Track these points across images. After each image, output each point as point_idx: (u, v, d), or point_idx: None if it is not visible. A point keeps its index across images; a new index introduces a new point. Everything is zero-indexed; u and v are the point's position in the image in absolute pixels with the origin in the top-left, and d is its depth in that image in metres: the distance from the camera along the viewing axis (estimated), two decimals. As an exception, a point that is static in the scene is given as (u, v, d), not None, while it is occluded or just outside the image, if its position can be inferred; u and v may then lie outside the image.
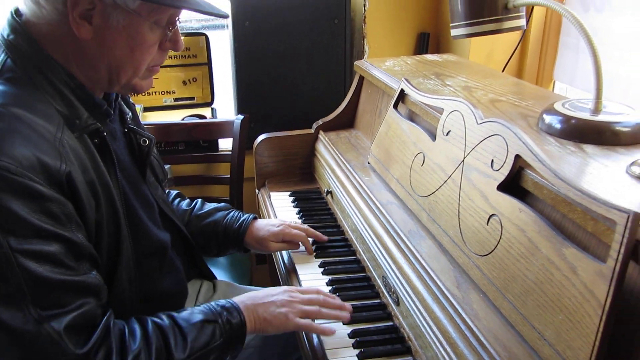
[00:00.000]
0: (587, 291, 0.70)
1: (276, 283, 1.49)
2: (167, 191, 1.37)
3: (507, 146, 0.91)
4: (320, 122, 1.76)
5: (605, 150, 0.94)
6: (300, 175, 1.77)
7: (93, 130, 0.95)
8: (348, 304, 1.10)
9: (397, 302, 1.07)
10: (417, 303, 0.99)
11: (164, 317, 0.98)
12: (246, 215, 1.36)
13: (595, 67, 0.99)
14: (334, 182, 1.52)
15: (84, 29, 0.90)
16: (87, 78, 0.97)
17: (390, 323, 1.09)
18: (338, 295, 1.16)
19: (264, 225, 1.35)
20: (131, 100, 1.24)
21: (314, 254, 1.34)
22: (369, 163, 1.46)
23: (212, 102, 2.41)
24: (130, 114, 1.16)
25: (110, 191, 0.97)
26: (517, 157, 0.88)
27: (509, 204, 0.88)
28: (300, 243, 1.35)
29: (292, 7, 2.01)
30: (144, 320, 0.95)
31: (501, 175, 0.91)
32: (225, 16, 1.06)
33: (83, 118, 0.94)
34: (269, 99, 2.12)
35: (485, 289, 0.90)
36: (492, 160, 0.94)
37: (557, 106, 1.05)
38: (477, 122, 1.01)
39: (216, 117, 2.31)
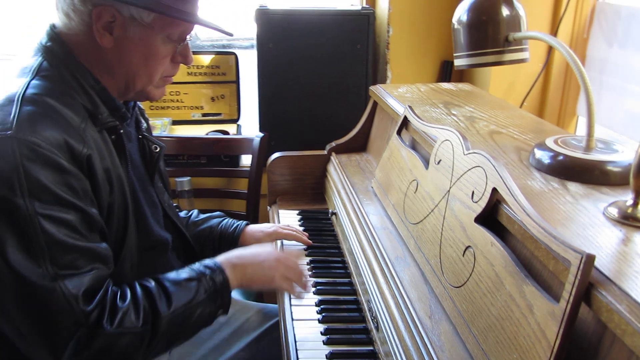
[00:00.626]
0: (540, 331, 0.69)
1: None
2: None
3: (487, 178, 0.91)
4: (333, 144, 1.79)
5: (589, 190, 0.92)
6: (311, 195, 1.80)
7: (111, 127, 1.06)
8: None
9: (377, 328, 1.07)
10: (392, 330, 0.99)
11: (150, 279, 1.06)
12: (240, 222, 1.45)
13: (588, 103, 0.98)
14: (339, 204, 1.54)
15: (106, 39, 1.02)
16: (107, 83, 1.07)
17: (371, 348, 1.09)
18: (325, 315, 1.18)
19: (258, 228, 1.46)
20: (146, 115, 1.33)
21: (306, 252, 1.44)
22: (372, 187, 1.47)
23: (238, 119, 2.48)
24: (145, 124, 1.28)
25: (122, 182, 1.07)
26: (494, 190, 0.88)
27: (482, 236, 0.87)
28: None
29: (316, 30, 2.06)
30: (133, 284, 1.04)
31: (479, 207, 0.91)
32: (229, 34, 1.16)
33: (104, 115, 1.05)
34: (290, 119, 2.17)
35: (455, 320, 0.90)
36: (473, 192, 0.94)
37: (549, 142, 1.04)
38: (464, 152, 1.01)
39: (241, 134, 2.37)
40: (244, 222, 1.46)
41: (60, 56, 1.03)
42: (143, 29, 1.03)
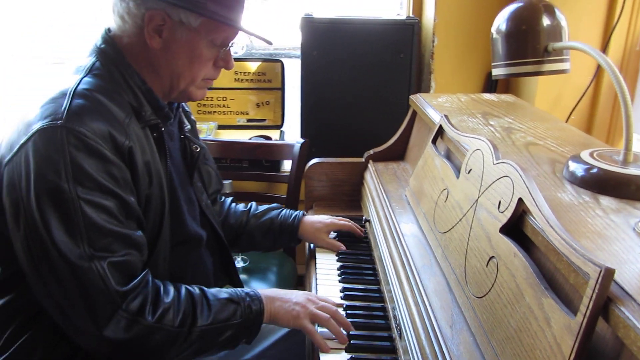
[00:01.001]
0: (556, 344, 0.67)
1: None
2: (222, 198, 1.55)
3: (513, 188, 0.89)
4: (371, 151, 1.79)
5: (623, 204, 0.89)
6: (348, 202, 1.80)
7: (154, 125, 1.12)
8: (352, 326, 1.15)
9: (400, 336, 1.06)
10: (414, 338, 0.98)
11: (195, 287, 1.10)
12: (297, 212, 1.55)
13: (626, 116, 0.95)
14: (372, 211, 1.54)
15: (155, 41, 1.08)
16: (153, 83, 1.13)
17: (394, 356, 1.08)
18: (350, 321, 1.17)
19: (316, 218, 1.54)
20: (193, 117, 1.40)
21: (337, 258, 1.47)
22: (405, 195, 1.46)
23: (281, 125, 2.53)
24: (189, 126, 1.33)
25: (161, 177, 1.12)
26: (520, 200, 0.87)
27: (506, 247, 0.86)
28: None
29: (360, 39, 2.08)
30: (178, 285, 1.09)
31: (504, 218, 0.89)
32: (269, 43, 1.21)
33: (147, 113, 1.11)
34: (331, 126, 2.19)
35: (475, 331, 0.88)
36: (500, 202, 0.92)
37: (584, 154, 1.01)
38: (493, 162, 1.00)
39: (284, 140, 2.41)
40: (301, 212, 1.54)
41: (112, 57, 1.10)
42: (190, 32, 1.08)
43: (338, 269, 1.41)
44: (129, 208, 1.02)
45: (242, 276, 1.93)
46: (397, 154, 1.78)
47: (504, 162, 0.96)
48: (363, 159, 1.80)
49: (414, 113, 1.73)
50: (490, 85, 2.16)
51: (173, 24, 1.07)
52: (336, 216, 1.70)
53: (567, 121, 1.84)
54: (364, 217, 1.62)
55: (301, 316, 1.12)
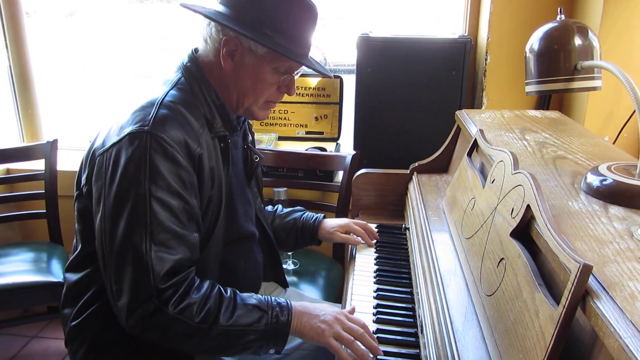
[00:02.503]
0: (541, 333, 0.74)
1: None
2: None
3: (524, 196, 0.96)
4: (416, 164, 1.87)
5: (630, 214, 0.93)
6: (392, 211, 1.89)
7: (222, 136, 1.27)
8: (380, 350, 1.15)
9: (422, 331, 1.14)
10: (430, 332, 1.06)
11: (229, 289, 1.20)
12: (318, 215, 1.68)
13: (642, 131, 1.00)
14: (411, 220, 1.62)
15: (228, 63, 1.24)
16: (224, 99, 1.30)
17: (417, 351, 1.16)
18: (378, 317, 1.27)
19: (333, 220, 1.67)
20: (252, 130, 1.55)
21: (374, 248, 1.62)
22: (442, 205, 1.54)
23: (338, 138, 2.65)
24: (251, 137, 1.50)
25: (221, 181, 1.27)
26: (528, 207, 0.93)
27: (513, 249, 0.93)
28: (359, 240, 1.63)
29: (413, 57, 2.17)
30: (214, 284, 1.19)
31: (515, 222, 0.96)
32: (329, 76, 1.37)
33: (218, 125, 1.26)
34: (383, 139, 2.28)
35: (483, 325, 0.95)
36: (513, 209, 0.99)
37: (602, 167, 1.06)
38: (512, 172, 1.07)
39: (339, 151, 2.53)
40: (322, 214, 1.68)
41: (194, 74, 1.26)
42: (256, 59, 1.23)
43: (374, 272, 1.50)
44: (191, 210, 1.16)
45: (292, 278, 2.06)
46: (441, 166, 1.85)
47: (519, 172, 1.03)
48: (408, 171, 1.88)
49: (458, 128, 1.80)
50: (543, 102, 2.18)
51: (243, 50, 1.23)
52: (379, 224, 1.80)
53: (616, 139, 1.84)
54: (403, 225, 1.70)
55: (326, 334, 1.16)
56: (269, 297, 1.22)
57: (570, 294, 0.70)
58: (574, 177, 1.13)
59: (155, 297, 1.09)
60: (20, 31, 2.79)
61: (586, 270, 0.70)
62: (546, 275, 0.84)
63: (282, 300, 1.22)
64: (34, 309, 2.69)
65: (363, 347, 1.15)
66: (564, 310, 0.70)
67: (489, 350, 0.90)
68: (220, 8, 1.23)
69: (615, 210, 0.95)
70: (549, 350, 0.71)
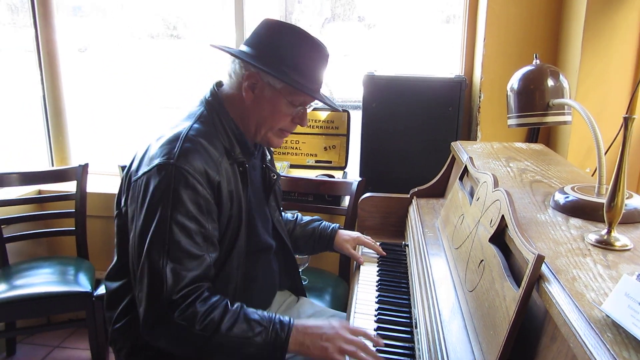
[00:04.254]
0: (507, 311, 0.94)
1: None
2: None
3: (500, 208, 1.17)
4: (416, 189, 2.08)
5: (587, 224, 1.13)
6: (393, 232, 2.09)
7: (240, 162, 1.45)
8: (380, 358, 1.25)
9: (416, 326, 1.33)
10: (421, 323, 1.25)
11: (236, 304, 1.34)
12: (334, 224, 1.88)
13: (598, 156, 1.21)
14: (410, 237, 1.82)
15: (249, 95, 1.43)
16: (243, 127, 1.48)
17: (412, 344, 1.34)
18: (379, 318, 1.45)
19: (347, 232, 1.88)
20: (272, 149, 1.75)
21: (376, 262, 1.79)
22: (437, 224, 1.74)
23: (345, 167, 2.87)
24: (269, 157, 1.70)
25: (240, 201, 1.44)
26: (503, 217, 1.14)
27: (491, 251, 1.13)
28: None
29: (414, 93, 2.40)
30: (223, 299, 1.33)
31: (492, 230, 1.16)
32: (338, 110, 1.54)
33: (236, 152, 1.44)
34: (386, 167, 2.50)
35: (465, 316, 1.15)
36: (491, 219, 1.20)
37: (567, 188, 1.27)
38: (492, 190, 1.27)
39: (346, 179, 2.74)
40: (337, 225, 1.88)
41: (215, 107, 1.45)
42: (274, 92, 1.42)
43: (376, 282, 1.69)
44: (207, 233, 1.32)
45: (301, 293, 2.24)
46: (438, 191, 2.06)
47: (498, 190, 1.24)
48: (408, 195, 2.09)
49: (453, 157, 2.01)
50: (532, 136, 2.40)
51: (263, 84, 1.42)
52: (382, 242, 1.99)
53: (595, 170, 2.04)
54: (403, 243, 1.90)
55: (330, 350, 1.26)
56: (272, 314, 1.33)
57: (528, 278, 0.90)
58: (546, 196, 1.33)
59: (167, 308, 1.25)
60: (56, 66, 3.06)
61: (539, 259, 0.90)
62: (516, 270, 1.04)
63: (285, 318, 1.32)
64: (56, 318, 2.87)
65: (368, 357, 1.24)
66: (523, 291, 0.90)
67: (468, 333, 1.09)
68: (245, 48, 1.44)
69: (574, 221, 1.15)
70: (511, 322, 0.90)
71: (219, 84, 1.52)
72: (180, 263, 1.27)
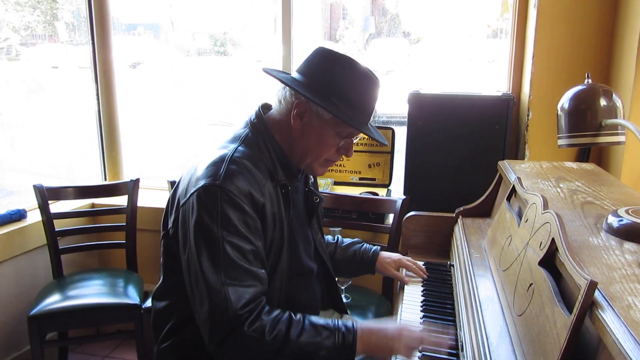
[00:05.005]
0: (557, 338, 0.91)
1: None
2: None
3: (550, 231, 1.14)
4: (461, 208, 2.06)
5: (642, 248, 1.10)
6: (438, 251, 2.06)
7: (283, 184, 1.46)
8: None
9: (462, 349, 1.31)
10: (469, 347, 1.23)
11: (300, 315, 1.37)
12: (375, 247, 1.85)
13: (654, 180, 1.17)
14: (456, 257, 1.80)
15: (297, 122, 1.44)
16: (288, 152, 1.49)
17: (459, 367, 1.33)
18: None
19: (388, 255, 1.87)
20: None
21: (421, 283, 1.78)
22: (483, 244, 1.71)
23: (389, 184, 2.86)
24: (312, 180, 1.71)
25: (283, 223, 1.46)
26: (553, 240, 1.11)
27: (540, 275, 1.10)
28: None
29: (460, 111, 2.39)
30: (285, 310, 1.37)
31: (542, 253, 1.14)
32: (384, 144, 1.54)
33: (280, 176, 1.46)
34: (431, 185, 2.48)
35: (513, 339, 1.12)
36: (541, 242, 1.17)
37: (621, 210, 1.23)
38: (541, 212, 1.25)
39: (390, 196, 2.74)
40: (378, 247, 1.87)
41: (261, 130, 1.47)
42: (322, 122, 1.42)
43: (421, 302, 1.67)
44: (257, 250, 1.35)
45: (344, 311, 2.24)
46: (485, 211, 2.03)
47: (548, 212, 1.21)
48: (454, 215, 2.06)
49: (500, 177, 1.98)
50: (582, 155, 2.33)
51: (312, 113, 1.42)
52: (426, 262, 1.98)
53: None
54: (449, 263, 1.88)
55: (396, 347, 1.33)
56: (335, 319, 1.38)
57: (580, 304, 0.88)
58: (598, 219, 1.30)
59: (234, 323, 1.27)
60: (111, 82, 3.19)
61: (592, 285, 0.87)
62: (567, 295, 1.01)
63: (347, 322, 1.37)
64: (105, 329, 2.96)
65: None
66: (575, 317, 0.88)
67: (517, 359, 1.07)
68: (296, 75, 1.46)
69: (629, 245, 1.12)
70: (562, 349, 0.88)
71: (265, 106, 1.54)
72: (240, 281, 1.29)
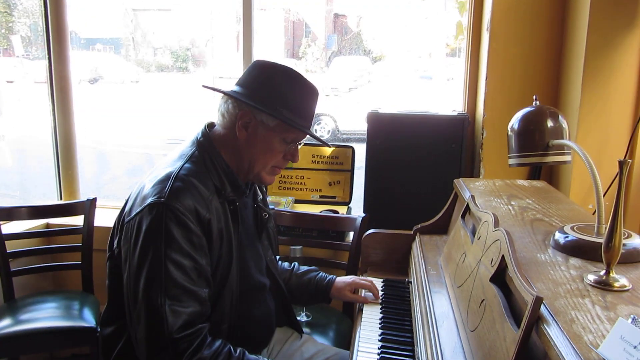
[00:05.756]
0: (507, 353, 0.94)
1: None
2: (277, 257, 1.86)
3: (500, 248, 1.18)
4: (419, 226, 2.09)
5: (586, 264, 1.14)
6: (397, 268, 2.09)
7: (231, 200, 1.47)
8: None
9: (418, 366, 1.33)
10: (425, 364, 1.25)
11: (238, 349, 1.38)
12: (331, 276, 1.84)
13: (597, 197, 1.22)
14: (413, 274, 1.82)
15: (242, 133, 1.47)
16: (235, 166, 1.51)
17: (414, 384, 1.34)
18: (383, 356, 1.45)
19: (342, 279, 1.87)
20: (264, 189, 1.77)
21: (379, 301, 1.78)
22: (439, 261, 1.74)
23: (349, 202, 2.89)
24: (261, 196, 1.71)
25: (231, 239, 1.46)
26: (503, 257, 1.15)
27: (491, 291, 1.14)
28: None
29: (417, 130, 2.44)
30: (225, 344, 1.37)
31: (493, 270, 1.17)
32: (330, 146, 1.58)
33: (227, 191, 1.47)
34: (390, 203, 2.52)
35: (467, 355, 1.15)
36: (492, 259, 1.21)
37: (567, 227, 1.28)
38: (493, 229, 1.29)
39: (350, 214, 2.76)
40: (334, 276, 1.86)
41: (206, 147, 1.48)
42: (267, 130, 1.46)
43: (380, 319, 1.69)
44: (200, 268, 1.35)
45: (305, 329, 2.23)
46: (442, 228, 2.07)
47: (498, 230, 1.25)
48: (412, 232, 2.10)
49: (456, 194, 2.03)
50: (534, 173, 2.42)
51: (256, 123, 1.46)
52: (385, 279, 2.00)
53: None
54: (407, 280, 1.90)
55: None
56: None
57: (527, 319, 0.91)
58: (546, 235, 1.35)
59: (170, 348, 1.27)
60: (68, 98, 3.13)
61: (538, 301, 0.91)
62: (516, 310, 1.05)
63: None
64: (59, 354, 2.86)
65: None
66: (522, 332, 0.91)
67: (470, 374, 1.09)
68: (237, 88, 1.48)
69: (574, 261, 1.16)
70: (511, 364, 0.91)
71: (211, 125, 1.55)
72: (178, 300, 1.29)
